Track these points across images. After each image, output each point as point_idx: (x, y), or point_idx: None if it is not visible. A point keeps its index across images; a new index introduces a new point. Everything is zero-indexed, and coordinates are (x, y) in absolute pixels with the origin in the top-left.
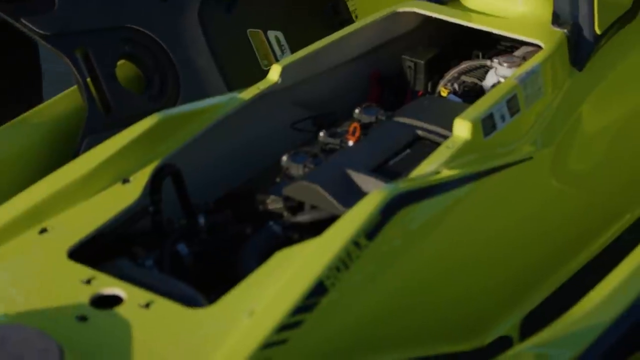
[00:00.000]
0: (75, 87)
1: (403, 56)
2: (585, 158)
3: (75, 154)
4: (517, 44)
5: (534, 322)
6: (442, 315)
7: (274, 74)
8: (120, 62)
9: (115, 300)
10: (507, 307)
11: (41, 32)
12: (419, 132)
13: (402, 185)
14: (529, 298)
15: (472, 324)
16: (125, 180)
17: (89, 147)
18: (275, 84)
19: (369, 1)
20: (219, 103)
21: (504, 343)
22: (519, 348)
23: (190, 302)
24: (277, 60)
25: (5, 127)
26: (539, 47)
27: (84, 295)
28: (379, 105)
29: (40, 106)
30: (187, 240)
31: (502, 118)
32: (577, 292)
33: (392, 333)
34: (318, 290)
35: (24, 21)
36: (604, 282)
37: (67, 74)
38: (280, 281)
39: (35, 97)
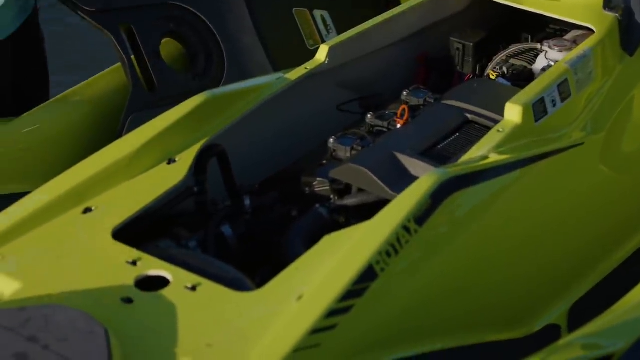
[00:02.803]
0: (118, 64)
1: (451, 38)
2: (636, 144)
3: (118, 133)
4: (567, 27)
5: (581, 311)
6: (489, 302)
7: (322, 54)
8: (165, 40)
9: (161, 282)
10: (555, 295)
11: (86, 8)
12: (469, 116)
13: (452, 169)
14: (577, 286)
15: (520, 312)
16: (171, 161)
17: (132, 125)
18: (323, 64)
19: None
20: (266, 83)
21: (552, 331)
22: (570, 338)
23: (237, 285)
24: (322, 40)
25: (47, 104)
26: (590, 30)
27: (129, 277)
28: (427, 87)
29: (83, 83)
30: (232, 222)
31: (553, 103)
32: (625, 281)
33: (439, 320)
34: (368, 275)
35: None
36: None
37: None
38: (329, 265)
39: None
